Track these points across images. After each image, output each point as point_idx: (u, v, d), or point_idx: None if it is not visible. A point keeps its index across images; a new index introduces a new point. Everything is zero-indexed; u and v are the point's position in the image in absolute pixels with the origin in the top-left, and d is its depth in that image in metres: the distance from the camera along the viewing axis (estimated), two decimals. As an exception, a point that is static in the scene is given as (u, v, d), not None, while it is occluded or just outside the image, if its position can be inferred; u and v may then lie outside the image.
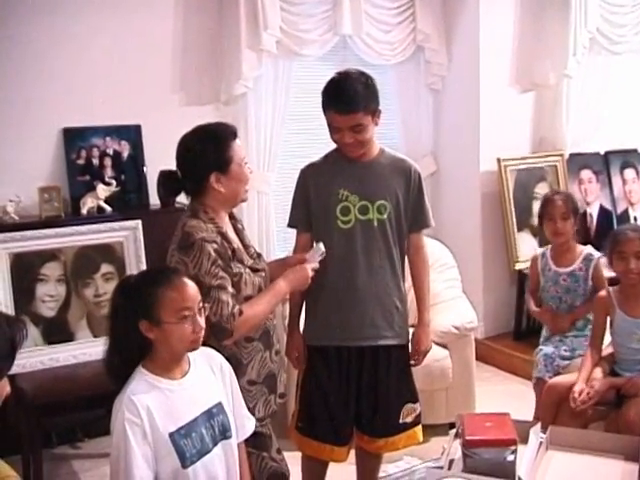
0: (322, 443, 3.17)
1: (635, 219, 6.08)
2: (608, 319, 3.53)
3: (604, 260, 3.70)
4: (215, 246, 2.57)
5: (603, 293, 3.57)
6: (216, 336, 2.47)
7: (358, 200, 3.03)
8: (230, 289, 2.57)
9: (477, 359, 5.43)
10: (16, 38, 4.17)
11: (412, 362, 3.24)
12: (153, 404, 2.20)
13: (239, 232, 2.84)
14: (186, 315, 2.23)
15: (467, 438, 2.60)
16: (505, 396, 4.08)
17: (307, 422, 3.19)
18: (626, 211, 6.04)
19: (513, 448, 2.59)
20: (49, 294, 4.01)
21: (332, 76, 3.04)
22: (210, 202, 2.67)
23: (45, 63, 4.27)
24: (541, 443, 2.82)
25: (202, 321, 2.29)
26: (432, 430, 4.02)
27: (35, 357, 3.90)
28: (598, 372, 3.44)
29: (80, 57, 4.35)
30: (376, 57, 5.20)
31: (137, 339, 2.24)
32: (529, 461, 2.65)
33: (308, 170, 3.15)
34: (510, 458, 2.57)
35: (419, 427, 3.28)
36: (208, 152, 2.66)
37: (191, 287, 2.29)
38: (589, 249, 3.91)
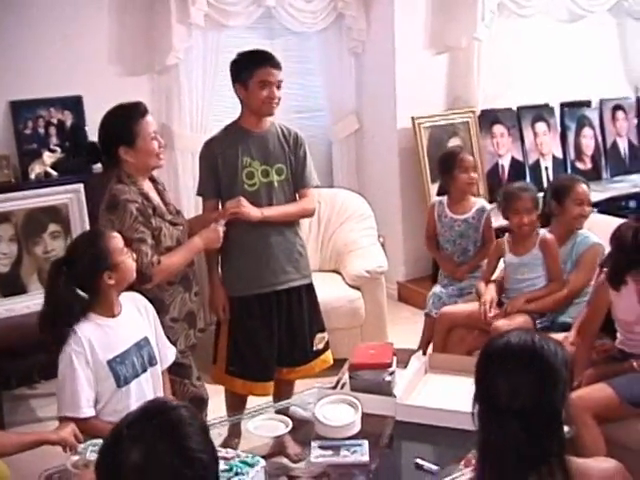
0: (254, 382, 3.67)
1: (546, 169, 6.61)
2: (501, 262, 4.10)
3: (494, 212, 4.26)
4: (137, 205, 3.07)
5: (499, 240, 4.12)
6: (137, 281, 2.95)
7: (259, 165, 3.53)
8: (150, 241, 3.08)
9: (399, 300, 6.03)
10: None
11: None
12: (94, 337, 2.75)
13: (160, 192, 3.34)
14: (126, 252, 2.81)
15: (351, 362, 3.16)
16: (417, 332, 4.58)
17: (239, 365, 3.66)
18: (537, 161, 6.56)
19: (390, 370, 3.14)
20: (2, 252, 4.49)
21: (243, 51, 3.58)
22: (127, 169, 3.15)
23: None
24: (421, 367, 3.38)
25: (133, 254, 2.87)
26: (347, 363, 4.55)
27: (-8, 309, 4.38)
28: (491, 287, 4.02)
29: (24, 34, 4.71)
30: (299, 25, 5.61)
31: (83, 296, 2.76)
32: (406, 381, 3.21)
33: (213, 143, 3.59)
34: (388, 379, 3.12)
35: (329, 351, 3.84)
36: (116, 129, 3.15)
37: (115, 233, 2.85)
38: (482, 201, 4.40)
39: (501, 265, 4.14)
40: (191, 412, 1.64)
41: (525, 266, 3.93)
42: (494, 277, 4.16)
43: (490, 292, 3.98)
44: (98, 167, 4.90)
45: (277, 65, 3.49)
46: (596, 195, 6.29)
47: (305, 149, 3.65)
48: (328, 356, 3.84)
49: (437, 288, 4.38)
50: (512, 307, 3.86)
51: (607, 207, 6.03)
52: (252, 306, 3.62)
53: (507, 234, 4.08)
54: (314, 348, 3.77)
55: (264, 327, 3.63)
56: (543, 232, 3.93)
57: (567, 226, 3.98)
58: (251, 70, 3.45)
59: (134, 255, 2.86)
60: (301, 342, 3.73)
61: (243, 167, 3.52)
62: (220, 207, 3.55)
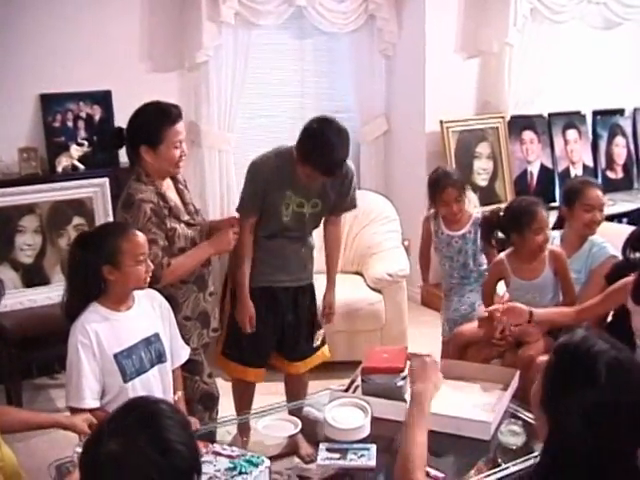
0: (246, 366, 3.72)
1: (576, 177, 6.54)
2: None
3: None
4: (151, 205, 3.08)
5: (497, 259, 3.89)
6: None
7: (297, 198, 3.51)
8: (161, 243, 3.09)
9: (422, 304, 6.00)
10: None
11: (324, 320, 3.85)
12: (101, 330, 2.75)
13: (180, 191, 3.34)
14: (141, 259, 2.78)
15: (363, 366, 3.14)
16: (438, 336, 4.56)
17: (234, 349, 3.71)
18: (567, 169, 6.50)
19: (402, 375, 3.12)
20: (27, 243, 4.56)
21: (325, 130, 3.42)
22: (146, 168, 3.16)
23: (24, 35, 4.69)
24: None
25: (150, 262, 2.84)
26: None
27: (15, 298, 4.43)
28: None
29: (56, 29, 4.78)
30: (330, 26, 5.60)
31: (96, 282, 2.77)
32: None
33: (264, 167, 3.50)
34: (400, 383, 3.09)
35: (326, 346, 3.90)
36: (144, 127, 3.15)
37: (141, 236, 2.82)
38: (475, 213, 4.20)
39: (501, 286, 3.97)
40: (172, 407, 1.67)
41: (536, 290, 3.73)
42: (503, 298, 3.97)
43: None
44: (125, 161, 4.97)
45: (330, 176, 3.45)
46: (627, 205, 6.31)
47: (354, 180, 3.68)
48: (325, 350, 3.90)
49: (449, 313, 4.24)
50: (532, 340, 3.67)
51: (638, 217, 5.97)
52: (265, 297, 3.65)
53: (507, 252, 3.83)
54: (314, 344, 3.84)
55: (268, 319, 3.66)
56: (550, 246, 3.73)
57: (578, 232, 3.80)
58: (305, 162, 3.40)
59: (150, 265, 2.83)
60: (305, 338, 3.79)
61: (283, 200, 3.51)
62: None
